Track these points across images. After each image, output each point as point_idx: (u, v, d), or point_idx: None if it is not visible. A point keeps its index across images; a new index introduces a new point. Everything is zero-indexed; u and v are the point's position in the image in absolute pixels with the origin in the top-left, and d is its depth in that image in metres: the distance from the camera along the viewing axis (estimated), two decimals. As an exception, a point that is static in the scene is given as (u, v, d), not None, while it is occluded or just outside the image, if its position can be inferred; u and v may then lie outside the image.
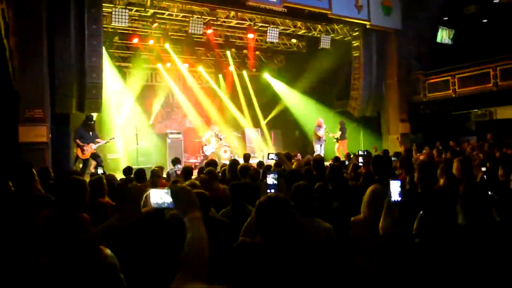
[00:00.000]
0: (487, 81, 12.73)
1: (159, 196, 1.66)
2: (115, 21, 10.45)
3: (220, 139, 13.47)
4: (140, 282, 1.67)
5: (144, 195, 1.66)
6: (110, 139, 10.81)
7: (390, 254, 2.71)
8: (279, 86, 16.81)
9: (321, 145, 12.99)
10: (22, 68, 8.72)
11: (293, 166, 6.63)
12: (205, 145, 13.44)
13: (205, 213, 3.33)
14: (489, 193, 2.49)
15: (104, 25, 10.61)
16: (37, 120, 8.81)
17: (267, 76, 17.12)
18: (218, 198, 4.55)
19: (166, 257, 1.38)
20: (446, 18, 14.89)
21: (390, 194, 2.68)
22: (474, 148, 10.91)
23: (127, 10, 10.60)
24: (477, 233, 2.35)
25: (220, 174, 6.69)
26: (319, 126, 12.95)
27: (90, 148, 9.91)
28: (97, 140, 10.15)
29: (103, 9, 10.05)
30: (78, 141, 9.87)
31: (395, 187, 2.67)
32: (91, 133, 10.09)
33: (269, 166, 6.64)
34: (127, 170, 7.54)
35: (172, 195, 1.64)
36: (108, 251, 1.26)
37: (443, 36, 14.81)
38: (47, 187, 4.51)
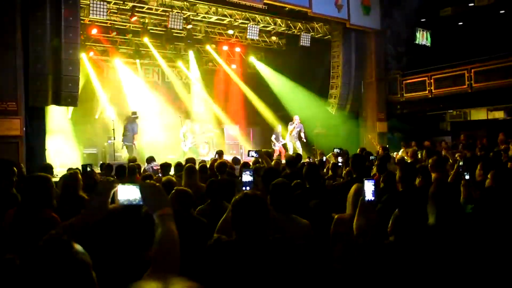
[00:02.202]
0: (462, 82, 13.03)
1: (128, 193, 1.64)
2: (93, 14, 10.25)
3: (195, 133, 13.46)
4: (110, 280, 1.65)
5: (112, 191, 1.63)
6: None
7: (365, 252, 2.75)
8: (258, 84, 16.80)
9: (295, 142, 13.06)
10: (-6, 59, 8.50)
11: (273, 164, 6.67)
12: (183, 141, 13.38)
13: (187, 211, 3.33)
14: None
15: (82, 17, 10.40)
16: (10, 113, 8.59)
17: (247, 73, 17.09)
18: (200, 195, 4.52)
19: (137, 254, 1.38)
20: (423, 20, 15.15)
21: (364, 193, 2.72)
22: (449, 148, 11.17)
23: (105, 3, 10.41)
24: (447, 232, 2.41)
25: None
26: (292, 122, 13.09)
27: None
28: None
29: (81, 1, 9.86)
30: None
31: (369, 187, 2.71)
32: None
33: (245, 164, 6.65)
34: (106, 167, 7.48)
35: (141, 192, 1.63)
36: (79, 247, 1.24)
37: (421, 37, 15.08)
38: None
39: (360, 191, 3.04)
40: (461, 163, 4.75)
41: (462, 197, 3.67)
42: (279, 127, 13.71)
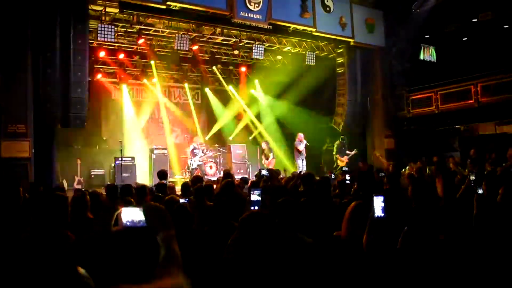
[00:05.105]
0: (468, 97, 12.99)
1: (132, 215, 1.62)
2: (101, 37, 10.43)
3: (203, 153, 13.43)
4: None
5: (116, 213, 1.62)
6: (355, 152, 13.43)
7: (373, 269, 2.70)
8: (264, 102, 16.91)
9: (302, 160, 13.04)
10: (5, 82, 8.66)
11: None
12: (190, 158, 13.35)
13: (188, 226, 3.32)
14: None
15: (90, 40, 10.58)
16: (20, 135, 8.72)
17: (253, 92, 17.20)
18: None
19: (140, 277, 1.37)
20: (428, 36, 15.22)
21: (374, 210, 2.68)
22: (457, 163, 11.05)
23: (113, 26, 10.60)
24: (457, 247, 2.37)
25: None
26: (300, 141, 13.04)
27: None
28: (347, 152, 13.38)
29: (89, 24, 10.04)
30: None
31: (378, 203, 2.67)
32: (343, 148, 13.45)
33: (254, 183, 6.63)
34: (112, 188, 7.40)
35: (145, 214, 1.62)
36: (82, 271, 1.23)
37: (426, 53, 15.12)
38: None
39: (357, 210, 3.00)
40: (472, 178, 4.70)
41: (475, 211, 3.63)
42: (264, 144, 13.92)
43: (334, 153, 13.81)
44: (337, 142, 13.82)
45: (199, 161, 13.22)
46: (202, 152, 13.44)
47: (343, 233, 3.08)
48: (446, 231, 2.46)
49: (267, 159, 13.58)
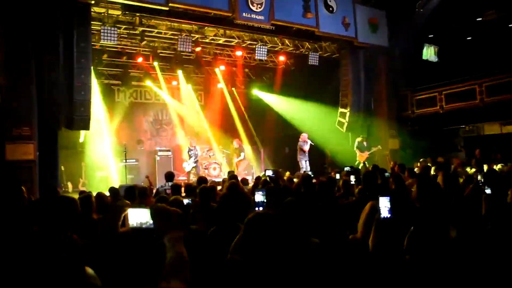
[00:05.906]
0: (473, 97, 12.91)
1: (139, 216, 1.61)
2: (104, 39, 10.45)
3: (202, 153, 13.41)
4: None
5: (123, 215, 1.62)
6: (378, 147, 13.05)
7: (381, 271, 2.68)
8: (267, 103, 16.88)
9: (306, 161, 12.99)
10: (9, 85, 8.68)
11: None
12: (186, 161, 13.27)
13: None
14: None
15: (93, 43, 10.60)
16: (24, 138, 8.73)
17: (256, 93, 17.19)
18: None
19: (147, 278, 1.36)
20: (431, 36, 15.16)
21: (380, 211, 2.66)
22: (460, 164, 11.01)
23: (116, 28, 10.61)
24: (469, 246, 2.34)
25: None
26: (304, 141, 12.98)
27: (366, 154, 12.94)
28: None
29: (92, 27, 10.06)
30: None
31: (384, 204, 2.65)
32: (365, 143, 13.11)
33: (254, 184, 6.62)
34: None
35: (152, 215, 1.61)
36: (90, 271, 1.22)
37: (429, 53, 15.05)
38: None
39: (374, 210, 2.98)
40: (479, 178, 4.68)
41: (484, 211, 3.60)
42: (235, 143, 13.95)
43: (354, 148, 13.56)
44: (359, 138, 13.59)
45: (194, 163, 13.13)
46: (202, 153, 13.40)
47: (360, 233, 3.06)
48: (455, 230, 2.42)
49: (237, 157, 13.63)
